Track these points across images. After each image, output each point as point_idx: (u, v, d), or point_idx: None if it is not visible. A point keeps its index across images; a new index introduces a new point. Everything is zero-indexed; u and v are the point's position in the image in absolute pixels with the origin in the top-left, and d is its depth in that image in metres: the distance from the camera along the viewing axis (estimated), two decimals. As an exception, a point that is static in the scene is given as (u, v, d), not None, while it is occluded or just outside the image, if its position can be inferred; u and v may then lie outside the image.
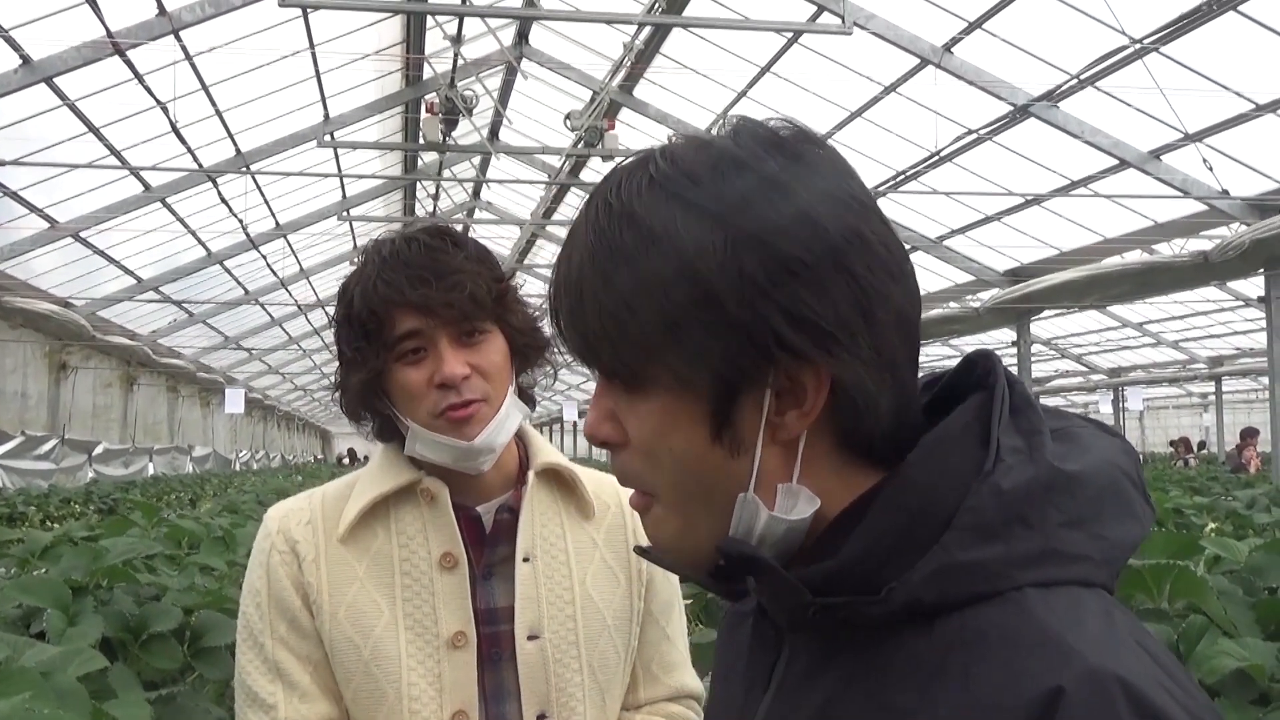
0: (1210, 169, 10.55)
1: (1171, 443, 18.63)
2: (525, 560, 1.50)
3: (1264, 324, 11.50)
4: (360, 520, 1.49)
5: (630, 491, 0.83)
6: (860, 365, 0.73)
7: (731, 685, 0.90)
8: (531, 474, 1.55)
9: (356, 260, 1.53)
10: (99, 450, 18.34)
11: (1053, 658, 0.65)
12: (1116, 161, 11.23)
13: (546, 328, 1.58)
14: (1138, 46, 9.24)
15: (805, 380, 0.73)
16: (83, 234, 13.87)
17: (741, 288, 0.72)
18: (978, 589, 0.70)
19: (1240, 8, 8.57)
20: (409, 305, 1.43)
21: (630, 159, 0.80)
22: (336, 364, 1.54)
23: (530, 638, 1.47)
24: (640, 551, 0.88)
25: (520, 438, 1.58)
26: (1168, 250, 12.90)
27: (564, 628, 1.50)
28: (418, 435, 1.47)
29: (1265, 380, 16.95)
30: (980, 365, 0.81)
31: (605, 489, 1.63)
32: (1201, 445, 26.55)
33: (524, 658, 1.47)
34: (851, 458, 0.78)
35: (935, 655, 0.70)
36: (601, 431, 0.81)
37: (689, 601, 3.20)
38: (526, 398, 1.57)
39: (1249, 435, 16.01)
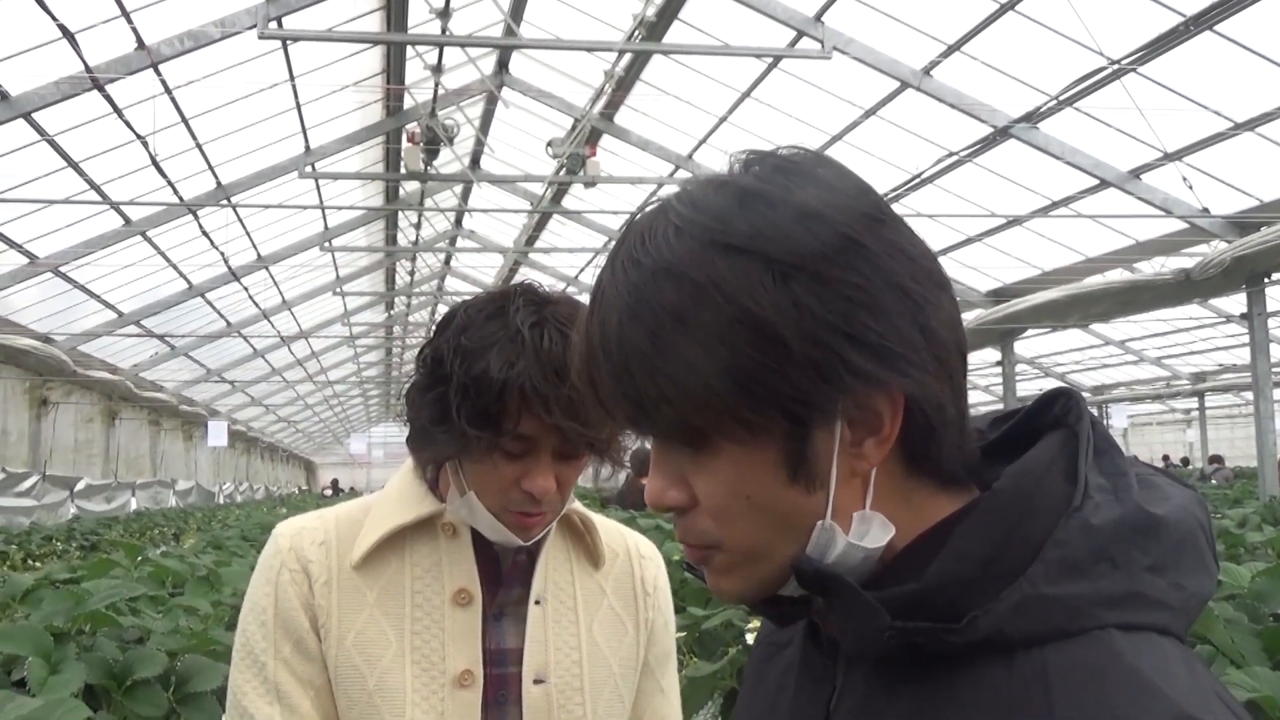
0: (1190, 187, 10.59)
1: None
2: (537, 603, 1.47)
3: (1246, 339, 11.53)
4: (374, 547, 1.44)
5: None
6: (930, 379, 0.71)
7: (773, 717, 0.87)
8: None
9: (500, 310, 1.35)
10: (81, 486, 18.16)
11: (1146, 701, 0.64)
12: (1097, 181, 11.28)
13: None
14: (1116, 67, 9.29)
15: (879, 405, 0.71)
16: (62, 269, 13.78)
17: (800, 321, 0.69)
18: (1062, 625, 0.68)
19: (1216, 28, 8.62)
20: (548, 425, 1.32)
21: (643, 213, 0.76)
22: (420, 383, 1.40)
23: (536, 681, 1.44)
24: (690, 568, 0.85)
25: None
26: (1149, 268, 12.94)
27: (569, 673, 1.46)
28: (475, 511, 1.41)
29: (1248, 395, 17.01)
30: (1060, 403, 0.79)
31: (613, 537, 1.60)
32: (1185, 461, 26.60)
33: (530, 701, 1.43)
34: (918, 485, 0.76)
35: (1015, 690, 0.68)
36: (667, 498, 0.76)
37: (682, 634, 3.16)
38: None
39: None
